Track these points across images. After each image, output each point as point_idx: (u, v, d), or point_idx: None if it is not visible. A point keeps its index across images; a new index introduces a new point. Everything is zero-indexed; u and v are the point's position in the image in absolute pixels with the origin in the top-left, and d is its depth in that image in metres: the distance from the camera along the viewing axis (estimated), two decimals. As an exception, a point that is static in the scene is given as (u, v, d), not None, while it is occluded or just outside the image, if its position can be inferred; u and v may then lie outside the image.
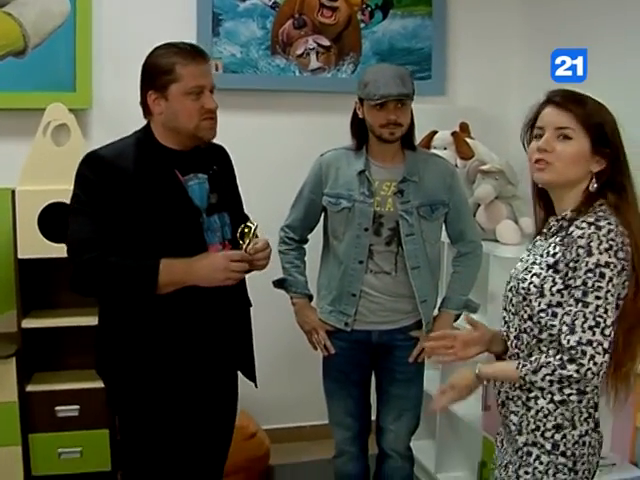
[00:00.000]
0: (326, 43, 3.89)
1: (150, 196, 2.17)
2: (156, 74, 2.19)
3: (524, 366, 1.80)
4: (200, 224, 2.25)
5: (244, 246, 2.20)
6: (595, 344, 1.70)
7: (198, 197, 2.27)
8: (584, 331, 1.71)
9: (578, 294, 1.73)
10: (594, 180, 1.84)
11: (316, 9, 3.86)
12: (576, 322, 1.73)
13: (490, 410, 3.05)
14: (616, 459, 2.80)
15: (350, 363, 2.89)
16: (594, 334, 1.70)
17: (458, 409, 3.42)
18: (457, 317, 2.97)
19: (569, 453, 1.82)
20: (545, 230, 1.95)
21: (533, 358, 1.80)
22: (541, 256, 1.86)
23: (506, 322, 1.96)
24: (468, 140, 3.53)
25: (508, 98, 4.09)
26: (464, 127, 3.66)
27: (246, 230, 2.21)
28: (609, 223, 1.75)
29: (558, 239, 1.83)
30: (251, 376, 2.52)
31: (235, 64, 3.75)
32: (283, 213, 3.00)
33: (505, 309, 1.97)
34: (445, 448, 3.50)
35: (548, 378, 1.75)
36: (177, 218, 2.21)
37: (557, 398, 1.78)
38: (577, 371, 1.71)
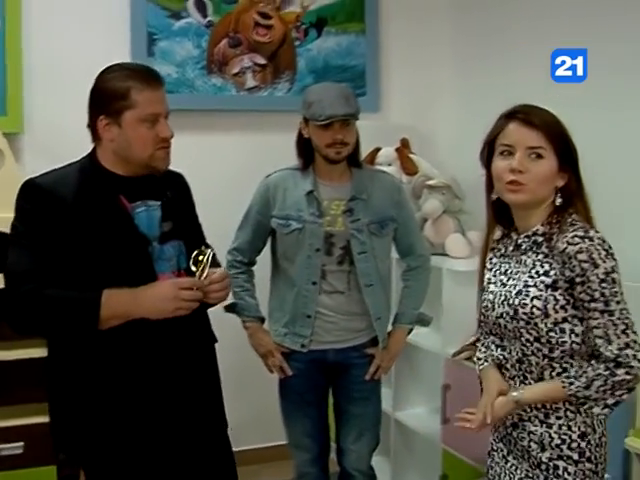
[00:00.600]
0: (262, 61, 3.87)
1: (91, 225, 2.05)
2: (109, 98, 2.07)
3: (571, 384, 1.82)
4: (148, 253, 2.13)
5: (197, 273, 2.09)
6: (632, 344, 1.79)
7: (146, 225, 2.14)
8: (619, 337, 1.78)
9: (601, 306, 1.78)
10: (559, 195, 1.88)
11: (251, 27, 3.83)
12: (609, 332, 1.79)
13: (449, 423, 3.08)
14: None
15: (307, 384, 2.87)
16: (627, 336, 1.79)
17: (413, 423, 3.45)
18: (410, 331, 2.98)
19: (593, 457, 1.87)
20: (502, 247, 1.99)
21: (574, 372, 1.83)
22: (531, 277, 1.87)
23: (498, 346, 1.97)
24: (411, 156, 3.57)
25: (440, 114, 4.15)
26: (405, 143, 3.69)
27: (200, 257, 2.10)
28: (595, 231, 1.81)
29: (542, 256, 1.86)
30: (220, 415, 2.39)
31: (171, 84, 3.67)
32: (224, 234, 2.92)
33: (495, 334, 1.98)
34: (401, 464, 3.51)
35: (602, 389, 1.80)
36: (121, 247, 2.09)
37: (610, 402, 1.83)
38: (627, 373, 1.78)
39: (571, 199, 1.86)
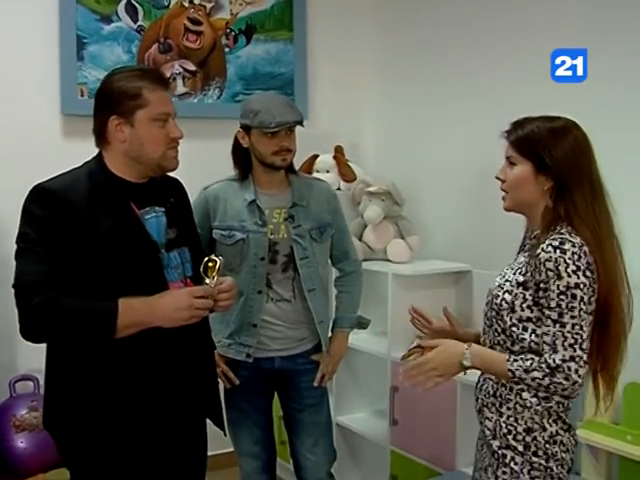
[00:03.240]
0: (192, 68, 3.83)
1: (105, 231, 2.01)
2: (120, 98, 2.04)
3: (515, 361, 1.88)
4: (159, 260, 2.11)
5: (208, 281, 2.07)
6: (577, 359, 1.83)
7: (155, 231, 2.12)
8: (565, 349, 1.84)
9: (554, 315, 1.85)
10: (549, 198, 1.96)
11: (181, 33, 3.79)
12: (557, 342, 1.85)
13: (398, 424, 3.13)
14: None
15: (254, 391, 2.86)
16: (575, 350, 1.83)
17: (357, 427, 3.49)
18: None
19: (541, 452, 1.94)
20: (527, 245, 2.05)
21: (527, 357, 1.89)
22: (513, 274, 1.96)
23: (483, 334, 2.07)
24: (349, 163, 3.62)
25: (367, 121, 4.24)
26: (340, 150, 3.73)
27: (210, 264, 2.08)
28: (573, 245, 1.86)
29: (526, 258, 1.95)
30: (219, 423, 2.37)
31: (101, 89, 3.59)
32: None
33: (483, 322, 2.07)
34: (346, 467, 3.53)
35: (538, 381, 1.86)
36: (134, 254, 2.05)
37: (542, 395, 1.89)
38: (566, 379, 1.83)
39: (556, 203, 1.94)
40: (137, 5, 3.68)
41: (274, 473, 2.98)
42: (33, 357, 3.41)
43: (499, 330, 1.97)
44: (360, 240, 3.47)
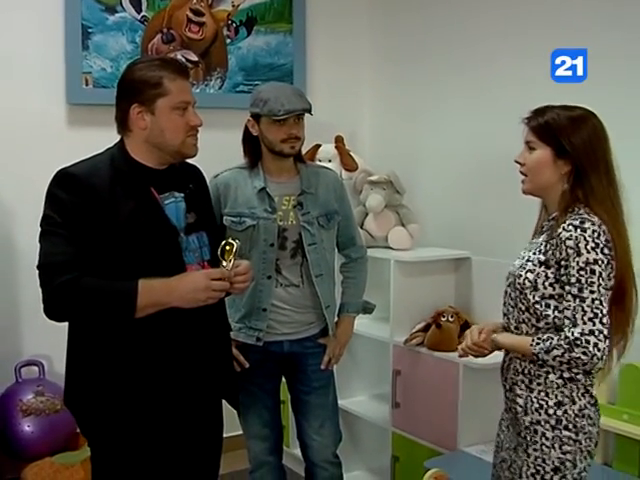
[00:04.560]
0: (194, 58, 3.89)
1: (126, 215, 2.08)
2: (142, 87, 2.11)
3: (537, 344, 1.99)
4: (178, 244, 2.18)
5: (225, 264, 2.13)
6: (597, 332, 1.92)
7: (175, 216, 2.20)
8: (585, 323, 1.93)
9: (574, 291, 1.95)
10: (566, 181, 2.07)
11: (184, 24, 3.85)
12: (577, 316, 1.94)
13: (400, 407, 3.21)
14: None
15: (263, 375, 2.92)
16: (594, 324, 1.92)
17: (358, 410, 3.56)
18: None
19: (571, 426, 2.02)
20: (544, 227, 2.14)
21: (546, 337, 1.98)
22: (534, 254, 2.06)
23: (506, 314, 2.16)
24: (350, 153, 3.69)
25: (364, 112, 4.32)
26: (340, 140, 3.81)
27: (227, 247, 2.14)
28: (592, 224, 1.96)
29: (546, 238, 2.04)
30: (234, 403, 2.46)
31: (105, 79, 3.64)
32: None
33: (505, 303, 2.16)
34: (348, 450, 3.55)
35: (559, 359, 1.95)
36: (154, 238, 2.13)
37: (566, 375, 2.01)
38: (584, 353, 1.91)
39: (574, 186, 2.04)
40: (141, -4, 3.74)
41: (281, 454, 3.05)
42: (38, 342, 3.53)
43: (523, 308, 2.06)
44: (361, 228, 3.54)
